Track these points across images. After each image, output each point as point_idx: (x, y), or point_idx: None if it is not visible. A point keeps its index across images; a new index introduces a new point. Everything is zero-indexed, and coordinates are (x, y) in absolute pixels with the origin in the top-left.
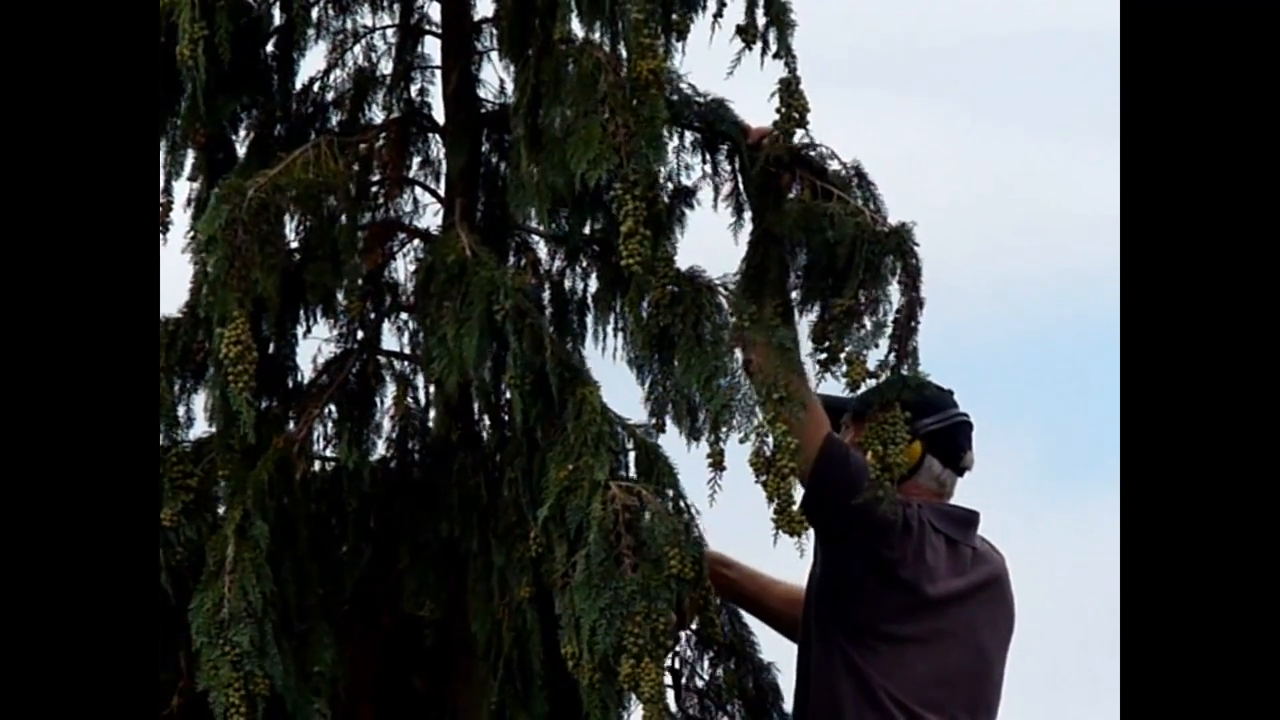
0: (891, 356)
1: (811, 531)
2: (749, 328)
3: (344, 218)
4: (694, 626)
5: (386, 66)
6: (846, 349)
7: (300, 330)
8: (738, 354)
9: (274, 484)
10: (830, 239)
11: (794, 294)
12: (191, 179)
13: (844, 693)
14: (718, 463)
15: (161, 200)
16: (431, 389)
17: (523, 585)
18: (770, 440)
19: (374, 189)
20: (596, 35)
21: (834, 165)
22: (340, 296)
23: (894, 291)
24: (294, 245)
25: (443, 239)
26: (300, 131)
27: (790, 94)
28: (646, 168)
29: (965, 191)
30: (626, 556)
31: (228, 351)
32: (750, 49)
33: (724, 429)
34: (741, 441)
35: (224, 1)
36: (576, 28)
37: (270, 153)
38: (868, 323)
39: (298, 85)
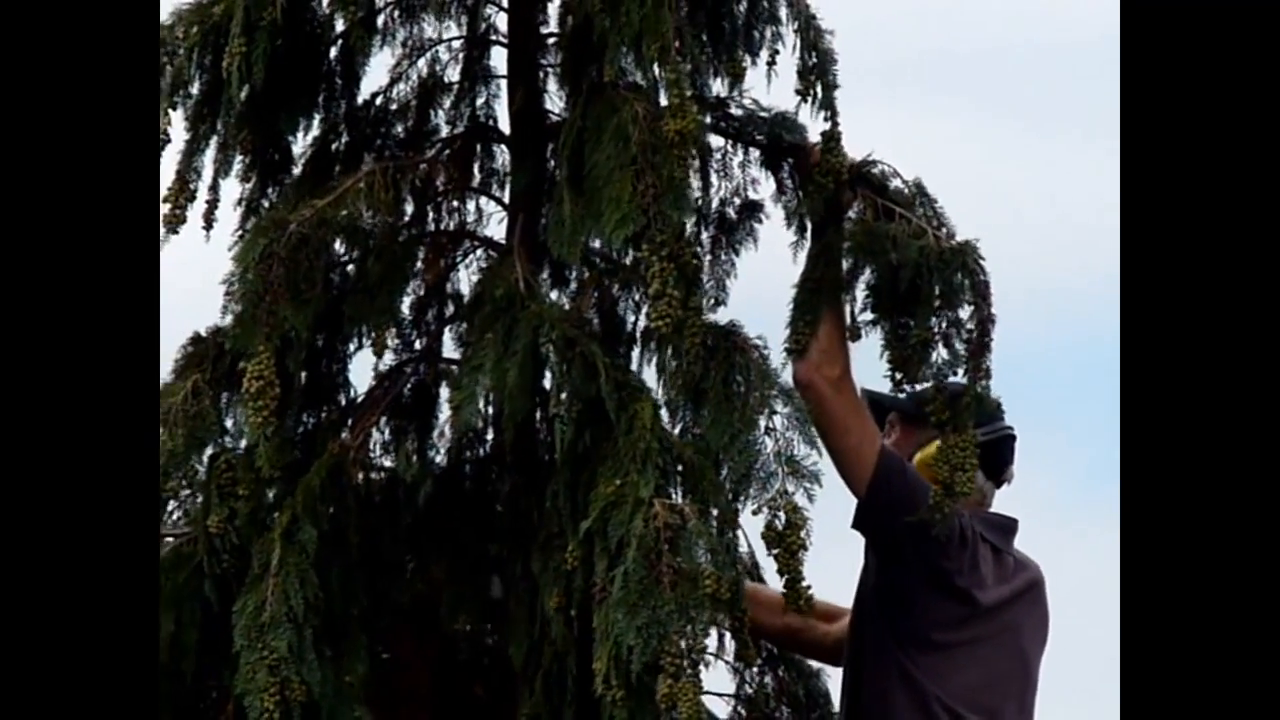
0: (967, 378)
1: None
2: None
3: (386, 255)
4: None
5: (452, 75)
6: (926, 379)
7: (352, 346)
8: (762, 420)
9: (325, 490)
10: (894, 260)
11: (859, 314)
12: (243, 179)
13: (897, 701)
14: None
15: (207, 199)
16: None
17: (553, 595)
18: (782, 516)
19: (437, 200)
20: (646, 80)
21: (895, 183)
22: (371, 328)
23: (965, 312)
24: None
25: (496, 268)
26: (362, 143)
27: (829, 149)
28: (673, 230)
29: (1009, 200)
30: (665, 575)
31: (249, 386)
32: (805, 101)
33: (741, 496)
34: (755, 513)
35: (267, 21)
36: (629, 67)
37: (329, 167)
38: (944, 352)
39: (362, 95)
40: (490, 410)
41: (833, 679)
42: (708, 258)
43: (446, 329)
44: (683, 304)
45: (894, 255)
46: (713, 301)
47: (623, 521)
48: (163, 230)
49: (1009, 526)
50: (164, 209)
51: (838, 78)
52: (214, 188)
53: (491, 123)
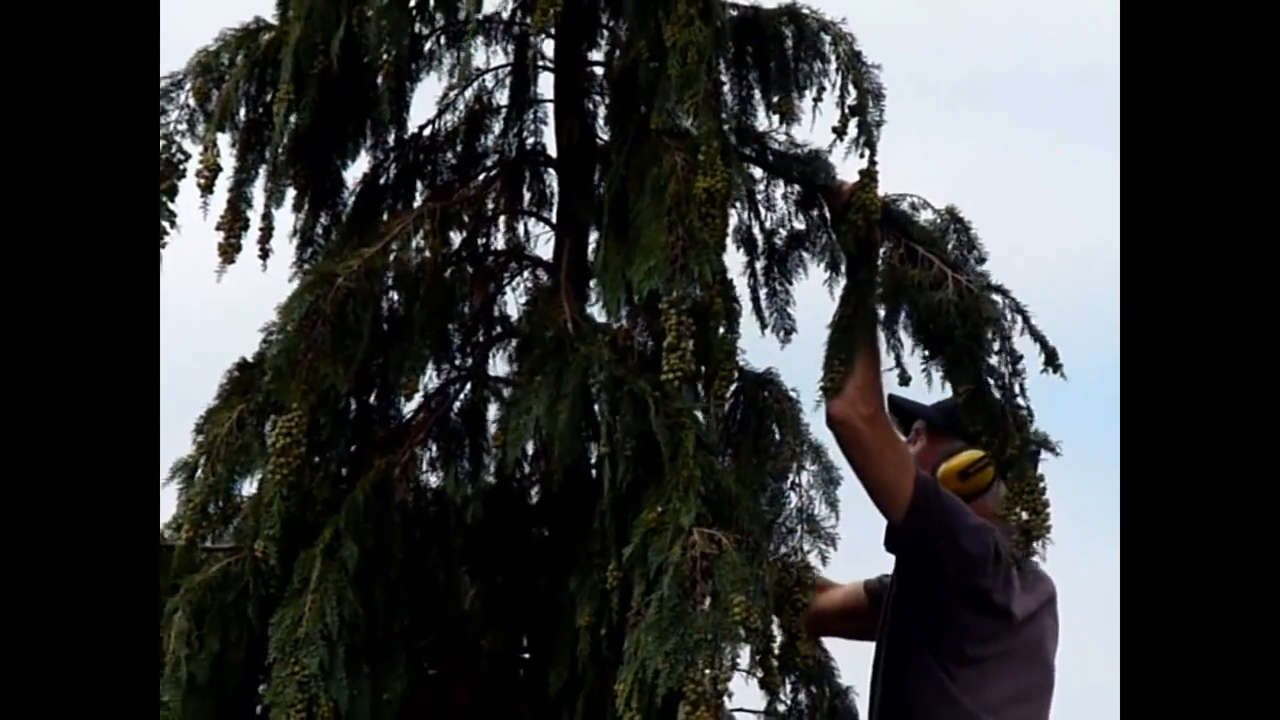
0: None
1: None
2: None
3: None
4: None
5: (500, 98)
6: (980, 428)
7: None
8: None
9: (369, 507)
10: (922, 308)
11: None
12: (296, 208)
13: (940, 715)
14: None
15: (260, 226)
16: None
17: (585, 612)
18: (793, 574)
19: (486, 228)
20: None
21: (925, 215)
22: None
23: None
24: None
25: (545, 308)
26: (412, 171)
27: (864, 187)
28: (704, 279)
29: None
30: (698, 603)
31: (276, 440)
32: (841, 140)
33: (768, 544)
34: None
35: (317, 70)
36: (675, 112)
37: (378, 200)
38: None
39: (412, 122)
40: (537, 443)
41: (861, 697)
42: (763, 290)
43: (493, 350)
44: (721, 340)
45: (921, 302)
46: (783, 333)
47: (662, 549)
48: (218, 259)
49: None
50: (218, 238)
51: (882, 114)
52: (267, 216)
53: (539, 147)
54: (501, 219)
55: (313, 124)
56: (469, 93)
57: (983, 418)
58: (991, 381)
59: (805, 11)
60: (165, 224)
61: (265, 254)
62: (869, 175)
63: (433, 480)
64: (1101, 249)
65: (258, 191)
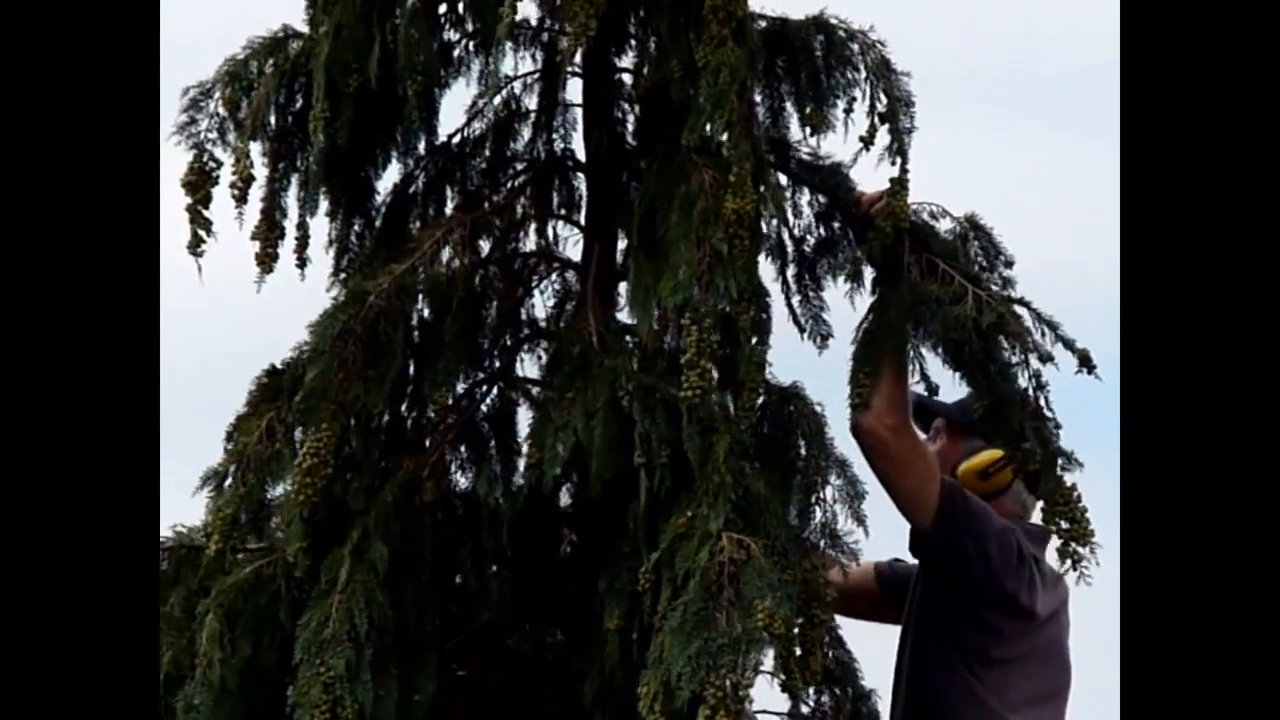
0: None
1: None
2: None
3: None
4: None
5: (529, 102)
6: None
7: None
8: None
9: (398, 507)
10: (940, 324)
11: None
12: (330, 217)
13: (966, 717)
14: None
15: (296, 235)
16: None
17: (614, 616)
18: (813, 588)
19: (515, 234)
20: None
21: (945, 224)
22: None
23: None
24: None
25: (571, 322)
26: (442, 177)
27: (895, 194)
28: (730, 296)
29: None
30: (723, 608)
31: (303, 460)
32: (868, 150)
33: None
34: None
35: (352, 88)
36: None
37: (409, 208)
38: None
39: (442, 128)
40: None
41: (884, 700)
42: (796, 298)
43: (521, 351)
44: (751, 351)
45: (940, 318)
46: (819, 339)
47: (689, 555)
48: (257, 269)
49: (1044, 536)
50: (255, 248)
51: (913, 121)
52: (302, 225)
53: (569, 151)
54: (532, 224)
55: (346, 137)
56: (498, 98)
57: (1002, 433)
58: (1011, 397)
59: (833, 21)
60: (201, 232)
61: (303, 263)
62: (900, 183)
63: (461, 481)
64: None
65: (291, 200)
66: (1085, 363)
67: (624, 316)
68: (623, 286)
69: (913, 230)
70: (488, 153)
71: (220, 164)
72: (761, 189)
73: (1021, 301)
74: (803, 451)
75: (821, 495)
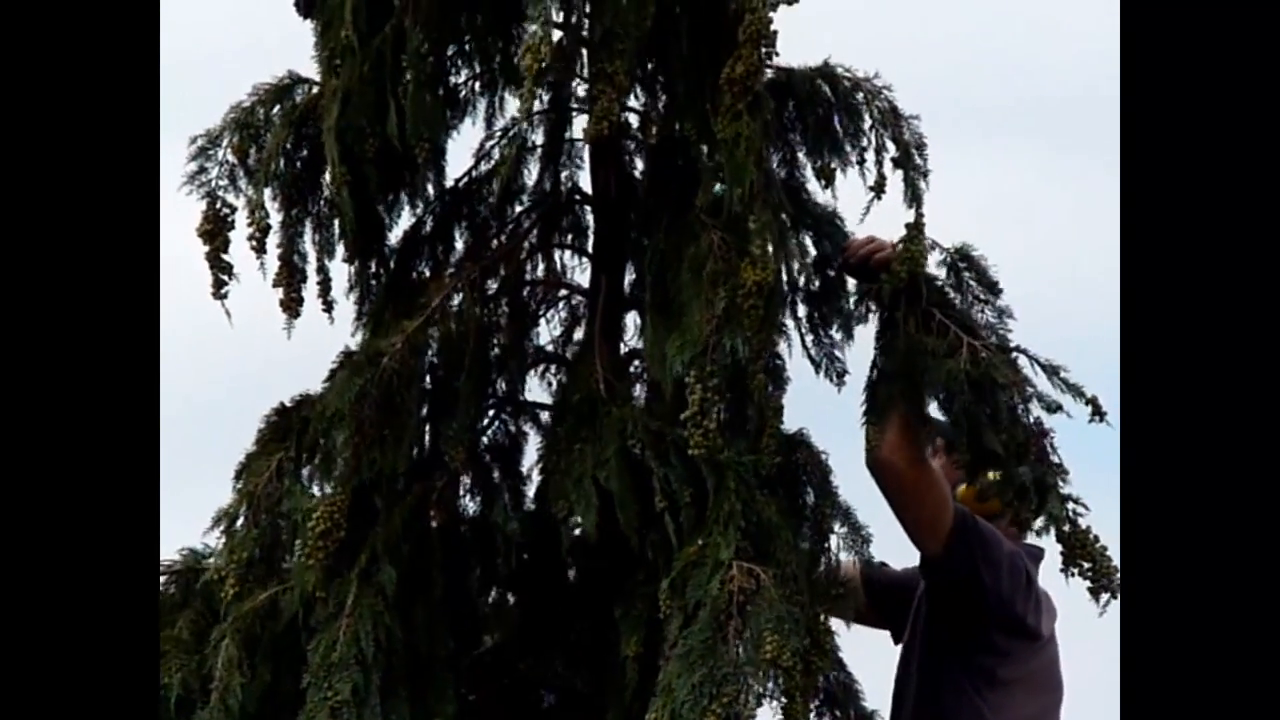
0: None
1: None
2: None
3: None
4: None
5: (537, 137)
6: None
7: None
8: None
9: (406, 531)
10: (935, 378)
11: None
12: (348, 261)
13: None
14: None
15: (318, 280)
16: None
17: (631, 643)
18: (812, 638)
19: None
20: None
21: (935, 255)
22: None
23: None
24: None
25: (576, 368)
26: (452, 216)
27: (912, 240)
28: (725, 364)
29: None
30: (730, 638)
31: (315, 525)
32: (880, 199)
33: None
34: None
35: (370, 153)
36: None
37: (418, 253)
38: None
39: (450, 169)
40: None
41: None
42: (809, 337)
43: (529, 374)
44: (719, 433)
45: (932, 373)
46: (835, 376)
47: (701, 583)
48: (284, 315)
49: (1039, 556)
50: (279, 295)
51: (926, 162)
52: (322, 269)
53: (575, 184)
54: (540, 259)
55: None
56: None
57: (997, 487)
58: (995, 450)
59: (839, 71)
60: (224, 276)
61: (329, 306)
62: (916, 228)
63: (470, 506)
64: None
65: (307, 243)
66: (1096, 410)
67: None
68: (630, 318)
69: (909, 279)
70: (495, 187)
71: (234, 209)
72: (783, 258)
73: (1019, 349)
74: (810, 500)
75: (827, 544)
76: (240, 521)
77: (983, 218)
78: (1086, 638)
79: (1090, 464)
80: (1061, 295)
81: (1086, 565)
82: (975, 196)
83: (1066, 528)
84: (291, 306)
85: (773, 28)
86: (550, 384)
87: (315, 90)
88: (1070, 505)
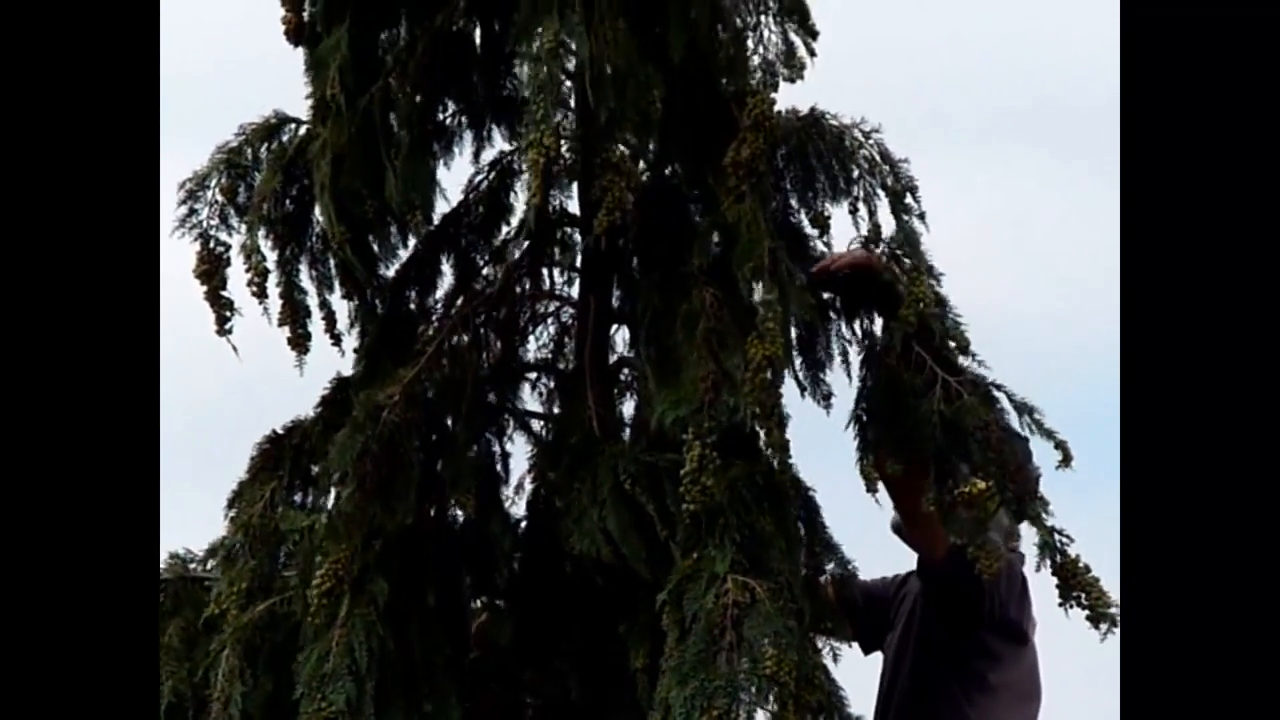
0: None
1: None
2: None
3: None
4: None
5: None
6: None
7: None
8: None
9: (400, 540)
10: (909, 419)
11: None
12: (345, 297)
13: None
14: None
15: (322, 315)
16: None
17: (639, 656)
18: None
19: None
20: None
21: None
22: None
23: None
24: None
25: (569, 405)
26: (441, 246)
27: (914, 282)
28: (723, 419)
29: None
30: (723, 651)
31: (320, 583)
32: (874, 248)
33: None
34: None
35: (371, 214)
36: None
37: (407, 287)
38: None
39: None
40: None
41: None
42: (798, 360)
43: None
44: (717, 487)
45: (911, 412)
46: (822, 399)
47: (696, 596)
48: (294, 354)
49: (1023, 561)
50: (286, 333)
51: (920, 204)
52: (324, 304)
53: (564, 205)
54: (527, 280)
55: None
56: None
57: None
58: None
59: (826, 120)
60: (225, 312)
61: (337, 339)
62: (916, 270)
63: (460, 514)
64: None
65: (305, 278)
66: (1064, 457)
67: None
68: (620, 335)
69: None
70: (482, 210)
71: (228, 246)
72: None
73: (996, 386)
74: (801, 534)
75: (823, 571)
76: (237, 548)
77: (981, 225)
78: (1087, 637)
79: (1090, 463)
80: (1061, 297)
81: (1083, 596)
82: (974, 204)
83: (1058, 557)
84: (299, 343)
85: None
86: (541, 392)
87: (303, 130)
88: (1057, 536)
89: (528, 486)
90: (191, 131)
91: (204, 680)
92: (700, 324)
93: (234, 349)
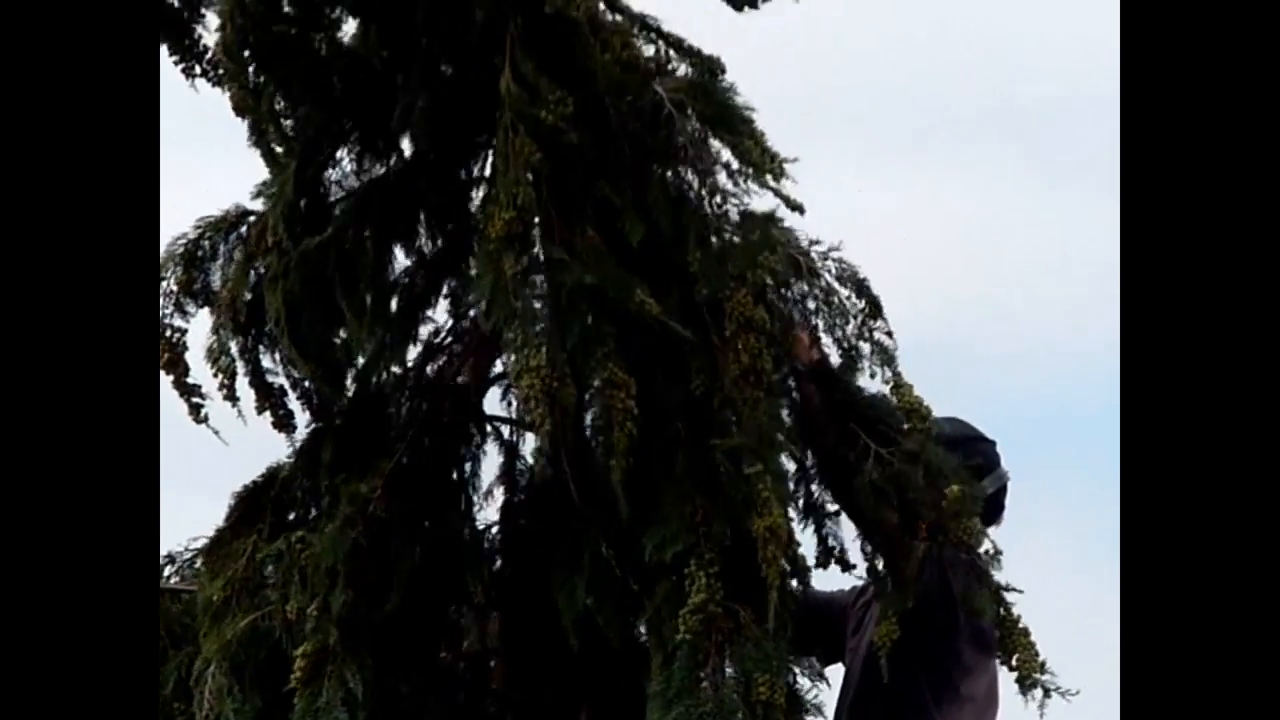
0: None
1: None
2: None
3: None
4: None
5: None
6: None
7: None
8: None
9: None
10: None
11: None
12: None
13: None
14: None
15: (297, 397)
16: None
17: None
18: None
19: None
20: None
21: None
22: None
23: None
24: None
25: (546, 486)
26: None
27: (898, 390)
28: (723, 543)
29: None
30: (708, 677)
31: (299, 674)
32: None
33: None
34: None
35: (340, 354)
36: None
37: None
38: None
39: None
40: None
41: None
42: (809, 529)
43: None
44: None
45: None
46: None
47: (684, 620)
48: (281, 435)
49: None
50: (268, 418)
51: (892, 337)
52: (296, 383)
53: None
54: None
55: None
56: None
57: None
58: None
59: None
60: (196, 399)
61: (318, 416)
62: (897, 384)
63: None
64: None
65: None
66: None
67: None
68: None
69: (833, 385)
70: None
71: (185, 330)
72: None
73: (922, 454)
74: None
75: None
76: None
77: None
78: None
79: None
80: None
81: (1019, 657)
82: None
83: (1000, 611)
84: (284, 425)
85: (759, 315)
86: (511, 403)
87: (260, 225)
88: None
89: (498, 495)
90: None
91: (174, 693)
92: (680, 460)
93: (215, 433)
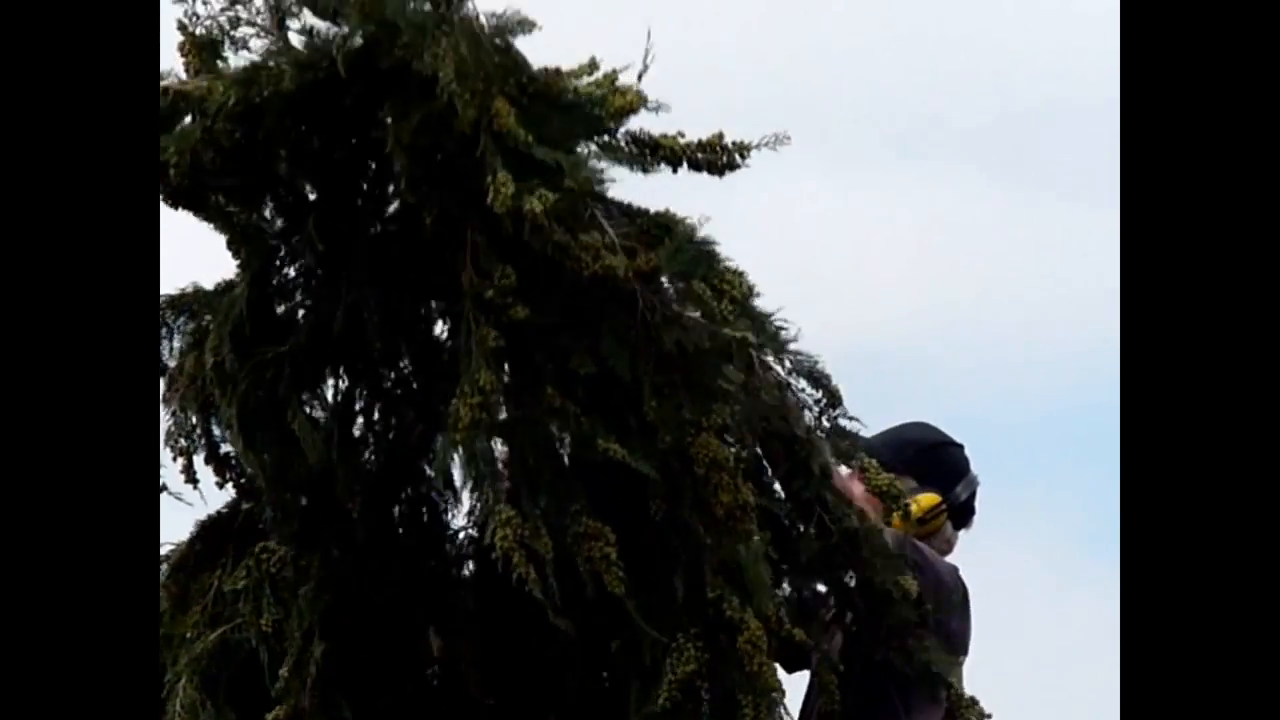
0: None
1: None
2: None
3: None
4: None
5: None
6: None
7: None
8: None
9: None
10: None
11: None
12: None
13: None
14: None
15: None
16: None
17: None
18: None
19: None
20: None
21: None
22: None
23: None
24: None
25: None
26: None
27: (869, 474)
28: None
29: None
30: (691, 705)
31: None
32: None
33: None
34: None
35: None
36: None
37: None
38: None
39: None
40: None
41: None
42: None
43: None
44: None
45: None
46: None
47: (667, 688)
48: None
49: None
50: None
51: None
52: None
53: None
54: None
55: None
56: None
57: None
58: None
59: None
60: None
61: None
62: (865, 467)
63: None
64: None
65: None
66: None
67: None
68: None
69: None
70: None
71: None
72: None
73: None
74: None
75: None
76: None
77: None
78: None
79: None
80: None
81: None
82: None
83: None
84: (247, 494)
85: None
86: None
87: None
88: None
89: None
90: None
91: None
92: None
93: (201, 495)
